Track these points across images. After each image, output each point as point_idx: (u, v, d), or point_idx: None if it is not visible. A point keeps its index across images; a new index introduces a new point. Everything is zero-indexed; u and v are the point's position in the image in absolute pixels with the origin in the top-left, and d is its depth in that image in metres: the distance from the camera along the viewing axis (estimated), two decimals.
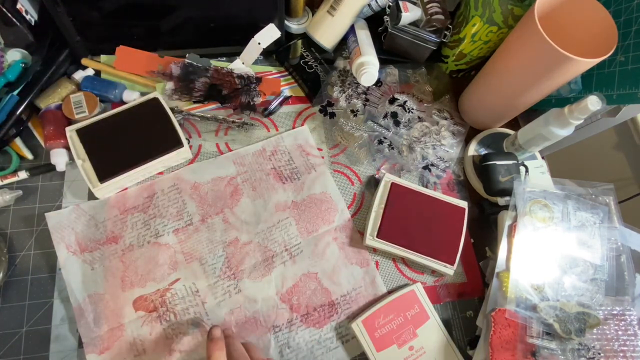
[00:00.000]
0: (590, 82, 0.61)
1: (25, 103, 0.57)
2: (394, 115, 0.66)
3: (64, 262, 0.53)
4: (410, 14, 0.64)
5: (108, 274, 0.53)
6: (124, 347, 0.50)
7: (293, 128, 0.66)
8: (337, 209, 0.61)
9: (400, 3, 0.64)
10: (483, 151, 0.68)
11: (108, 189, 0.56)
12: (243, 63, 0.66)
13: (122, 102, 0.63)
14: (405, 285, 0.58)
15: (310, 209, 0.61)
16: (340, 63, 0.71)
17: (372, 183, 0.65)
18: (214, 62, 0.65)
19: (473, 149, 0.68)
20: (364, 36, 0.68)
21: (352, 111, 0.66)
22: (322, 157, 0.64)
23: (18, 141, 0.58)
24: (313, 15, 0.72)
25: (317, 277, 0.57)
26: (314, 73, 0.70)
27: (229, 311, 0.54)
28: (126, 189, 0.58)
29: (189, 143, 0.61)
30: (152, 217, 0.57)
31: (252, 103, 0.64)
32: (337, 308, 0.56)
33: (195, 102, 0.64)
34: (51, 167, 0.57)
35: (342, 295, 0.57)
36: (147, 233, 0.56)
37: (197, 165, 0.61)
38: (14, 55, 0.59)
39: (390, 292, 0.57)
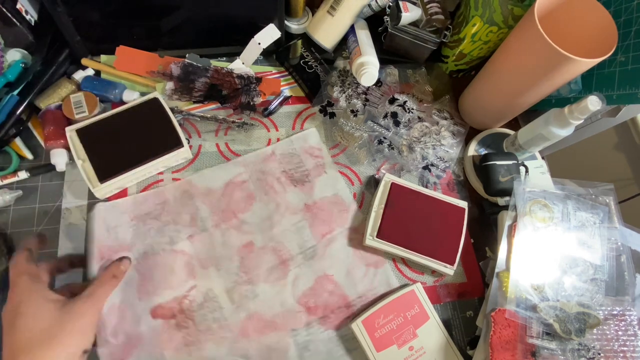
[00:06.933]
0: (590, 82, 0.61)
1: (25, 103, 0.57)
2: (394, 115, 0.66)
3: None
4: (410, 14, 0.64)
5: (123, 284, 0.52)
6: (142, 357, 0.49)
7: (293, 128, 0.66)
8: (350, 210, 0.61)
9: (400, 3, 0.64)
10: (483, 151, 0.68)
11: (108, 189, 0.56)
12: (243, 63, 0.66)
13: (122, 102, 0.63)
14: (405, 285, 0.58)
15: (323, 211, 0.60)
16: (340, 63, 0.71)
17: (372, 183, 0.65)
18: (214, 62, 0.65)
19: (473, 149, 0.68)
20: (364, 36, 0.68)
21: (352, 111, 0.66)
22: (322, 157, 0.64)
23: (18, 141, 0.58)
24: (313, 15, 0.72)
25: (333, 279, 0.57)
26: (314, 73, 0.70)
27: (246, 316, 0.53)
28: (126, 189, 0.58)
29: (189, 143, 0.61)
30: (166, 223, 0.56)
31: (252, 103, 0.64)
32: (353, 309, 0.56)
33: (195, 102, 0.64)
34: (51, 167, 0.57)
35: (359, 296, 0.57)
36: (161, 240, 0.55)
37: (209, 170, 0.61)
38: (14, 55, 0.59)
39: (390, 292, 0.57)
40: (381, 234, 0.58)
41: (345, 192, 0.62)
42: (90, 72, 0.64)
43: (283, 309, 0.54)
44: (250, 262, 0.56)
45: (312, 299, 0.55)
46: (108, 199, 0.57)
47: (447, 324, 0.57)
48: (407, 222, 0.59)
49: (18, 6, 0.57)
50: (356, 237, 0.60)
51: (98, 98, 0.60)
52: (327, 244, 0.59)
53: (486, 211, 0.64)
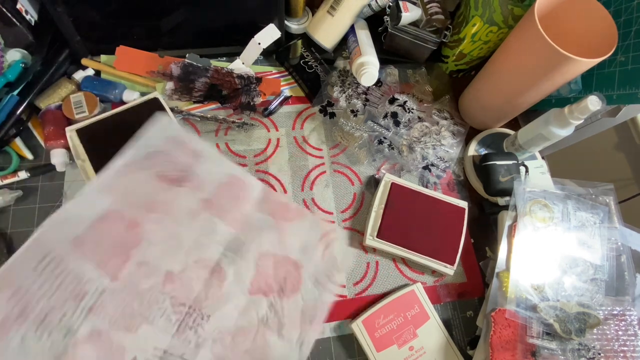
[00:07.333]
0: (590, 82, 0.61)
1: (25, 103, 0.57)
2: (394, 115, 0.66)
3: None
4: (410, 14, 0.64)
5: None
6: None
7: (293, 128, 0.66)
8: (250, 183, 0.55)
9: (400, 3, 0.64)
10: (483, 151, 0.68)
11: None
12: (243, 63, 0.66)
13: (122, 102, 0.63)
14: (405, 285, 0.58)
15: (223, 197, 0.53)
16: (340, 63, 0.71)
17: (372, 183, 0.65)
18: (214, 62, 0.65)
19: (473, 149, 0.68)
20: (364, 36, 0.68)
21: (352, 111, 0.66)
22: (191, 143, 0.56)
23: (18, 141, 0.58)
24: (313, 15, 0.72)
25: (270, 252, 0.52)
26: (314, 73, 0.70)
27: (211, 345, 0.46)
28: None
29: None
30: (42, 317, 0.41)
31: (252, 103, 0.64)
32: (299, 266, 0.53)
33: (195, 102, 0.64)
34: (51, 167, 0.57)
35: (300, 250, 0.54)
36: (54, 341, 0.41)
37: (62, 216, 0.46)
38: (14, 55, 0.59)
39: (390, 292, 0.57)
40: (381, 234, 0.58)
41: (235, 168, 0.55)
42: (90, 72, 0.64)
43: (242, 310, 0.49)
44: (181, 292, 0.47)
45: (262, 282, 0.50)
46: None
47: (447, 324, 0.57)
48: (407, 222, 0.59)
49: (18, 6, 0.57)
50: (268, 205, 0.55)
51: (98, 98, 0.60)
52: (246, 226, 0.52)
53: (486, 211, 0.64)
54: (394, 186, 0.61)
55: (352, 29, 0.70)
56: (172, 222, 0.50)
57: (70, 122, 0.59)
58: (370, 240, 0.58)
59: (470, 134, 0.70)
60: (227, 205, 0.53)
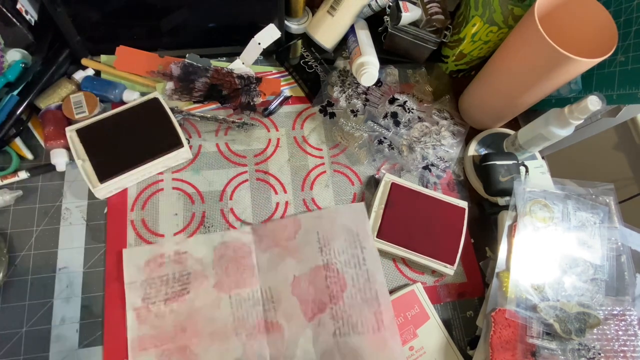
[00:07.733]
0: (590, 82, 0.61)
1: (25, 103, 0.57)
2: (394, 115, 0.66)
3: None
4: (410, 14, 0.64)
5: None
6: None
7: (293, 128, 0.66)
8: (236, 238, 0.56)
9: (400, 3, 0.64)
10: (483, 151, 0.68)
11: (108, 189, 0.56)
12: (243, 63, 0.66)
13: (122, 102, 0.63)
14: (405, 285, 0.58)
15: (227, 269, 0.54)
16: (340, 63, 0.71)
17: (372, 183, 0.65)
18: (214, 62, 0.65)
19: (473, 149, 0.68)
20: (364, 36, 0.68)
21: (352, 111, 0.66)
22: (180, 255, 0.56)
23: (18, 141, 0.58)
24: (313, 15, 0.72)
25: (298, 276, 0.55)
26: (314, 73, 0.70)
27: None
28: (126, 189, 0.58)
29: (189, 143, 0.61)
30: None
31: (252, 103, 0.64)
32: (331, 263, 0.54)
33: (195, 102, 0.64)
34: (51, 167, 0.57)
35: (319, 249, 0.55)
36: None
37: None
38: (14, 55, 0.59)
39: (390, 292, 0.57)
40: (381, 234, 0.58)
41: (213, 239, 0.56)
42: (90, 72, 0.64)
43: (313, 338, 0.51)
44: None
45: (310, 304, 0.53)
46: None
47: (447, 324, 0.57)
48: (407, 222, 0.59)
49: (18, 6, 0.57)
50: (266, 240, 0.57)
51: (98, 98, 0.60)
52: (263, 274, 0.55)
53: (486, 211, 0.64)
54: (394, 186, 0.61)
55: (352, 29, 0.70)
56: (205, 325, 0.51)
57: (70, 122, 0.59)
58: None
59: (470, 134, 0.70)
60: (235, 272, 0.54)
